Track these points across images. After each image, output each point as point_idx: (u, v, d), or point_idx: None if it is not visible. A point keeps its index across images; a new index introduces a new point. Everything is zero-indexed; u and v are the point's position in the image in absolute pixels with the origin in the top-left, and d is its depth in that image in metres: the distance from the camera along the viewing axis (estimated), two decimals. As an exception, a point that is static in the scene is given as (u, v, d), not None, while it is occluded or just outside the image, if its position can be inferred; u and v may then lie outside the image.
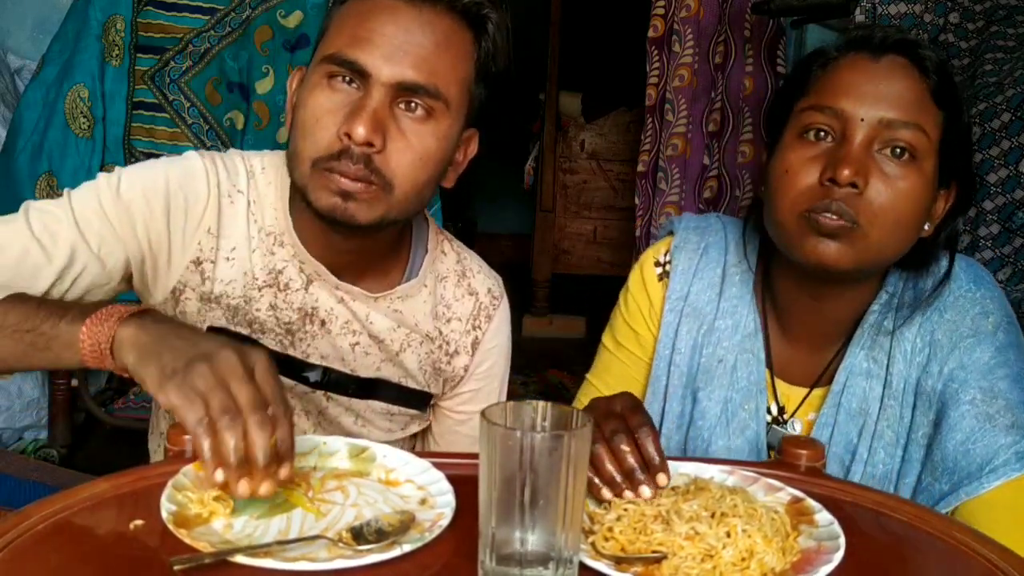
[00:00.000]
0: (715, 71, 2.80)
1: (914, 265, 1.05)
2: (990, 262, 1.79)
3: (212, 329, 1.04)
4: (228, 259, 1.05)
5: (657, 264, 1.17)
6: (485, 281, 1.19)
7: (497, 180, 4.56)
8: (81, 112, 2.23)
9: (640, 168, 2.92)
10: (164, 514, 0.70)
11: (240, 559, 0.66)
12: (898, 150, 0.96)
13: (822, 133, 0.99)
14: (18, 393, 2.35)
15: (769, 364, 1.10)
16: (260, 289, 1.06)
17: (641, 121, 2.99)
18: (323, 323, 1.08)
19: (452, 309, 1.16)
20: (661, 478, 0.79)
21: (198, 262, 1.04)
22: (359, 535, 0.71)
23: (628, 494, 0.79)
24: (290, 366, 1.07)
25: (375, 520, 0.74)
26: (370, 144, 0.93)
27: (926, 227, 1.02)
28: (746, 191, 2.85)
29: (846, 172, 0.94)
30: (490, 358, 1.19)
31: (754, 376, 1.08)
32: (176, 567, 0.64)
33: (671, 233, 1.19)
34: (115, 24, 2.25)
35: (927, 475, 0.99)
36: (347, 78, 0.95)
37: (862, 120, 0.97)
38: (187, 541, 0.67)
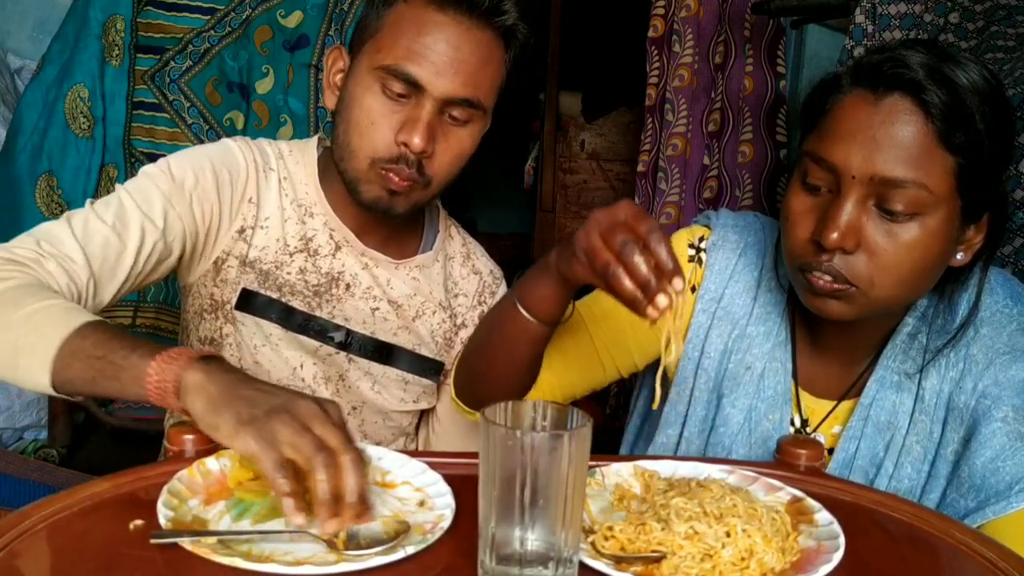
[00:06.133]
0: (715, 71, 2.80)
1: (948, 284, 0.99)
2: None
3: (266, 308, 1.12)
4: (263, 227, 1.15)
5: (691, 246, 1.11)
6: (487, 264, 1.32)
7: (497, 180, 4.56)
8: (81, 112, 2.23)
9: (640, 168, 2.92)
10: (162, 520, 0.70)
11: (242, 564, 0.66)
12: (893, 212, 0.89)
13: (818, 187, 0.93)
14: (18, 393, 2.35)
15: (795, 375, 1.07)
16: (291, 255, 1.16)
17: (641, 121, 2.99)
18: (348, 287, 1.18)
19: (459, 286, 1.28)
20: (677, 282, 0.77)
21: (242, 230, 1.14)
22: (354, 541, 0.71)
23: None
24: (316, 327, 1.16)
25: (371, 526, 0.73)
26: (424, 152, 1.06)
27: (958, 256, 0.96)
28: (746, 191, 2.85)
29: (833, 237, 0.89)
30: None
31: (780, 386, 1.05)
32: (153, 540, 0.67)
33: (706, 226, 1.13)
34: (115, 24, 2.25)
35: (952, 491, 0.96)
36: (401, 89, 1.05)
37: (853, 177, 0.89)
38: (187, 547, 0.67)
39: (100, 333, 0.86)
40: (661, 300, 0.76)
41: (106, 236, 1.01)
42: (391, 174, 1.07)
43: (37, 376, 0.86)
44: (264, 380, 0.82)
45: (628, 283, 0.77)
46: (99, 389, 0.85)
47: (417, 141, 1.04)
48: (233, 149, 1.15)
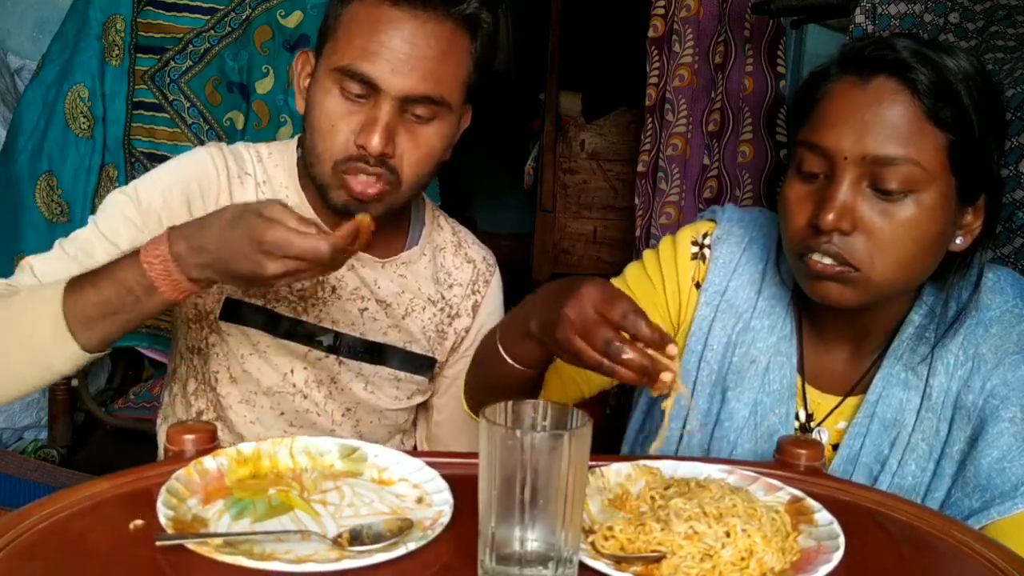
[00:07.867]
0: (715, 71, 2.80)
1: (951, 275, 1.00)
2: (990, 263, 1.78)
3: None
4: None
5: (694, 243, 1.12)
6: (480, 251, 1.31)
7: (497, 180, 4.56)
8: (81, 112, 2.23)
9: (640, 168, 2.92)
10: (162, 520, 0.70)
11: (245, 562, 0.66)
12: (888, 191, 0.91)
13: (814, 174, 0.95)
14: (18, 393, 2.34)
15: (801, 370, 1.07)
16: None
17: (641, 121, 2.99)
18: (334, 289, 1.16)
19: (452, 276, 1.26)
20: (670, 348, 0.79)
21: None
22: (357, 538, 0.71)
23: None
24: (304, 331, 1.15)
25: (373, 524, 0.74)
26: (384, 153, 1.03)
27: (958, 241, 0.97)
28: (746, 191, 2.85)
29: (829, 218, 0.91)
30: (490, 321, 1.28)
31: (786, 380, 1.05)
32: (158, 543, 0.67)
33: (712, 220, 1.14)
34: (115, 24, 2.25)
35: (957, 490, 0.96)
36: (358, 89, 1.03)
37: (845, 159, 0.91)
38: (190, 546, 0.67)
39: (86, 287, 0.93)
40: (665, 377, 0.78)
41: (67, 269, 1.01)
42: (355, 177, 1.05)
43: (66, 351, 0.93)
44: (214, 218, 0.92)
45: (627, 374, 0.79)
46: (125, 324, 0.94)
47: (375, 143, 1.02)
48: (204, 158, 1.13)
